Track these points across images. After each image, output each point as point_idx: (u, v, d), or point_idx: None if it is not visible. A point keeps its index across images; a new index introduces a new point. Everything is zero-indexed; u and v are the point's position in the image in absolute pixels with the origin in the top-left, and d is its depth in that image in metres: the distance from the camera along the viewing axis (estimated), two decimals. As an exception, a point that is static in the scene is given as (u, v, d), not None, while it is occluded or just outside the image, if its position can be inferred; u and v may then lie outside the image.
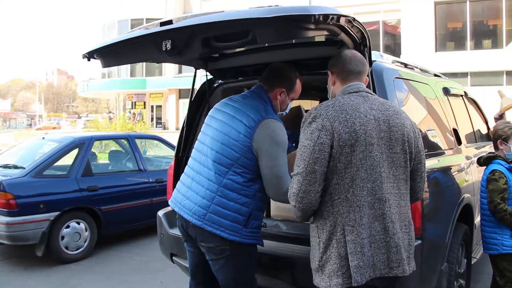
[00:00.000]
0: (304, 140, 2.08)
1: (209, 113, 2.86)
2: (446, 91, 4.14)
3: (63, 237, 5.55)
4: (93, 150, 6.42)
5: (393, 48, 25.87)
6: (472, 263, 3.97)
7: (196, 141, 2.84)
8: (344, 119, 2.06)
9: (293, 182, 2.10)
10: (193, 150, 2.82)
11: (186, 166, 2.82)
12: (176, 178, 3.78)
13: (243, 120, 2.59)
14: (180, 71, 32.76)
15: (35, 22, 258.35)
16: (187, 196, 2.67)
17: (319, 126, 2.05)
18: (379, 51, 3.51)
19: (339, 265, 2.04)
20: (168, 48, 2.47)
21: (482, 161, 3.64)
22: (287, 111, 2.87)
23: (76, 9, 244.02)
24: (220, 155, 2.60)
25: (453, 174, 3.56)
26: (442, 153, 3.53)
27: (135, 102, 36.93)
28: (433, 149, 3.41)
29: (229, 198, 2.55)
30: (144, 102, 36.73)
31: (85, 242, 5.76)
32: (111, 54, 2.89)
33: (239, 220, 2.55)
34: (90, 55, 2.89)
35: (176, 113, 34.52)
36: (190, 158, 2.83)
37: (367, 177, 2.06)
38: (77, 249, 5.68)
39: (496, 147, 3.66)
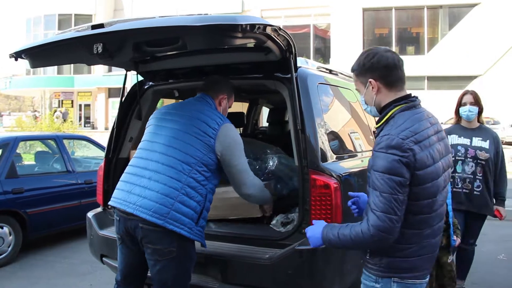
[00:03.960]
0: None
1: (158, 115, 2.96)
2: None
3: (-15, 242, 5.33)
4: (18, 151, 6.19)
5: (324, 51, 26.67)
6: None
7: (144, 142, 2.87)
8: None
9: None
10: (141, 150, 2.84)
11: (132, 166, 2.80)
12: (107, 179, 3.77)
13: (208, 122, 2.75)
14: (109, 70, 31.92)
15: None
16: (143, 195, 2.61)
17: None
18: (310, 53, 3.69)
19: None
20: (99, 51, 2.50)
21: None
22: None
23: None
24: (184, 153, 2.67)
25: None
26: (365, 153, 3.74)
27: (62, 100, 35.51)
28: (357, 150, 3.64)
29: (190, 196, 2.63)
30: (72, 101, 35.43)
31: (9, 247, 5.53)
32: (40, 54, 2.86)
33: (194, 218, 2.64)
34: (17, 55, 2.85)
35: (105, 112, 33.55)
36: (136, 158, 2.82)
37: None
38: (0, 255, 5.46)
39: None
